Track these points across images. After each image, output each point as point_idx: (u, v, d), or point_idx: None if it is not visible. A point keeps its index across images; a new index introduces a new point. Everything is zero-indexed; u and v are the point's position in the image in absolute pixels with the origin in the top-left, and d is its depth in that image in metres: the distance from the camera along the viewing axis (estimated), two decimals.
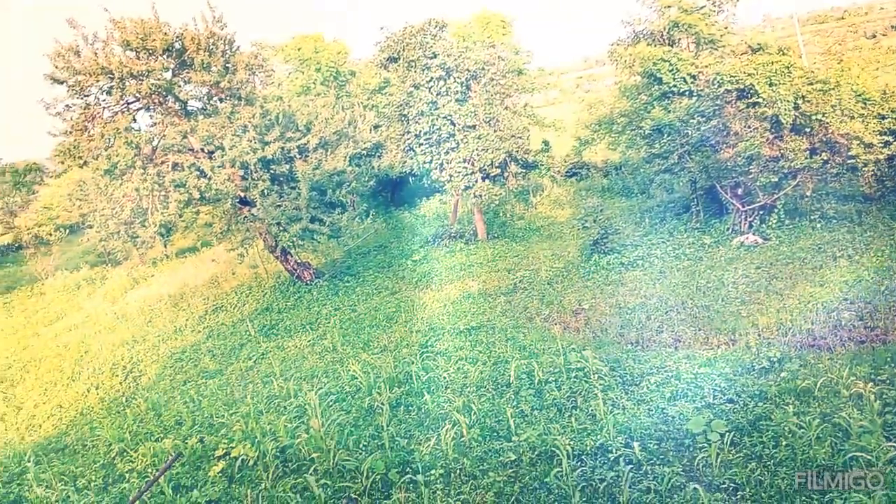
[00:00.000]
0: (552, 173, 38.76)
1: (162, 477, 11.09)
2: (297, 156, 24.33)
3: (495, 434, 11.28)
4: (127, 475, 12.14)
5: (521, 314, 18.23)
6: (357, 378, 14.52)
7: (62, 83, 21.79)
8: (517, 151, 30.02)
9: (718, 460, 9.01)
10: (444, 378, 14.08)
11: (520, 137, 30.21)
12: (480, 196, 27.36)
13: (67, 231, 44.63)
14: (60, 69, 21.53)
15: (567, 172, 39.07)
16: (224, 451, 11.79)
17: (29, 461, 13.07)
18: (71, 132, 22.23)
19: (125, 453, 13.18)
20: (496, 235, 28.72)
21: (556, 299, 18.78)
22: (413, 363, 14.98)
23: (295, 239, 23.44)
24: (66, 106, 22.28)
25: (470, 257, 25.77)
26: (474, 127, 27.06)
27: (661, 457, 9.49)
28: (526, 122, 33.36)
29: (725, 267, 18.53)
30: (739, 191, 21.98)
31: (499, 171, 29.69)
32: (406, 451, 11.07)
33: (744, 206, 21.49)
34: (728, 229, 21.87)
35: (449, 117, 26.81)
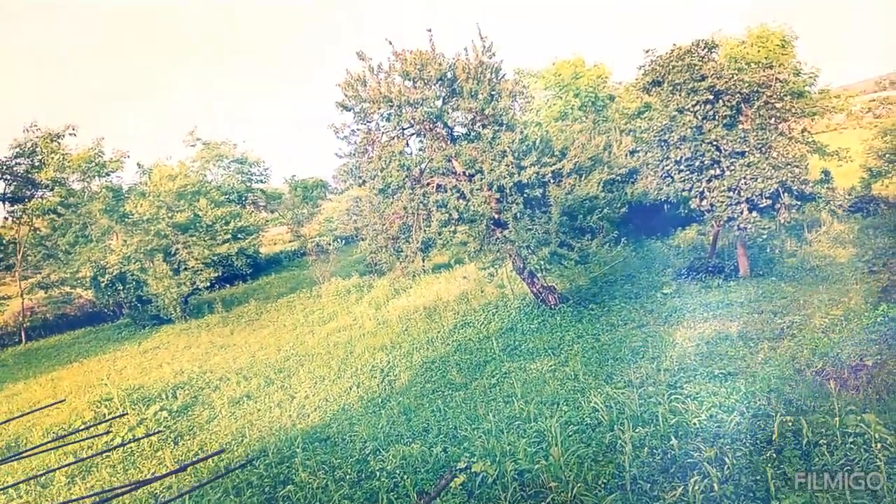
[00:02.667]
0: (832, 207, 34.42)
1: (436, 493, 11.74)
2: (551, 180, 24.58)
3: (751, 495, 10.14)
4: (377, 473, 13.04)
5: (788, 364, 16.29)
6: (598, 411, 14.08)
7: (349, 110, 24.60)
8: (792, 181, 27.04)
9: None
10: (695, 424, 13.04)
11: (796, 166, 27.19)
12: (745, 228, 25.19)
13: (343, 242, 50.04)
14: (349, 98, 24.31)
15: (851, 207, 34.47)
16: (465, 464, 12.14)
17: (298, 447, 14.69)
18: (354, 154, 24.92)
19: (378, 452, 14.22)
20: (761, 273, 26.19)
21: (831, 351, 16.46)
22: (660, 404, 14.13)
23: (543, 262, 23.65)
24: (352, 131, 25.03)
25: (729, 295, 23.79)
26: (743, 154, 25.05)
27: None
28: (804, 150, 29.98)
29: None
30: None
31: (769, 202, 27.03)
32: (649, 496, 10.42)
33: None
34: None
35: (715, 142, 25.15)
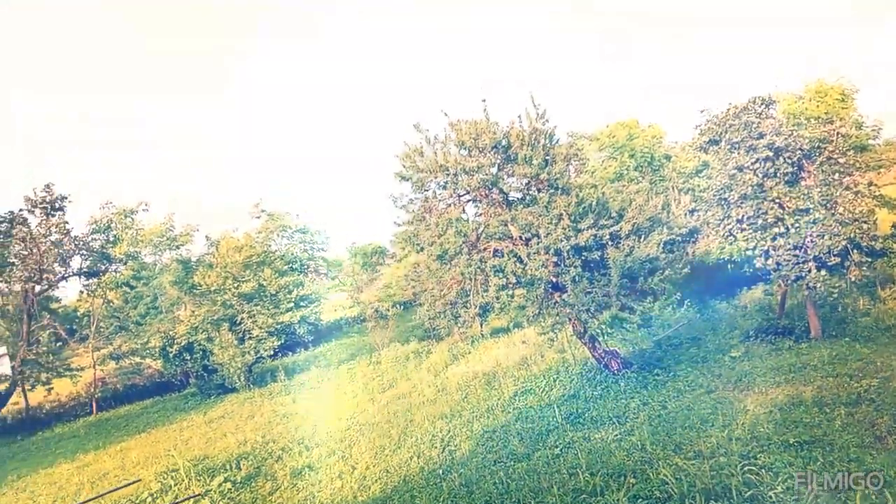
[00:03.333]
0: None
1: None
2: (609, 242, 24.37)
3: None
4: None
5: (868, 431, 15.36)
6: (668, 484, 13.51)
7: (407, 180, 25.25)
8: (861, 237, 26.09)
9: None
10: (771, 497, 12.37)
11: (864, 221, 26.27)
12: (815, 287, 24.27)
13: (402, 307, 50.41)
14: (407, 168, 25.01)
15: None
16: None
17: None
18: (412, 222, 25.42)
19: None
20: (834, 334, 25.03)
21: None
22: (733, 475, 13.48)
23: (604, 326, 23.27)
24: (410, 199, 25.61)
25: (801, 358, 22.76)
26: (808, 210, 24.38)
27: None
28: (871, 204, 28.94)
29: None
30: None
31: (838, 259, 26.06)
32: None
33: None
34: None
35: (777, 200, 24.61)
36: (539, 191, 24.58)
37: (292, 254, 63.03)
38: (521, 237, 24.71)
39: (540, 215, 23.83)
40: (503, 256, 24.14)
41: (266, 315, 41.64)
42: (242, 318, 41.39)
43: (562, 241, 23.05)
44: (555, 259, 23.96)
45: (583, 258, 23.86)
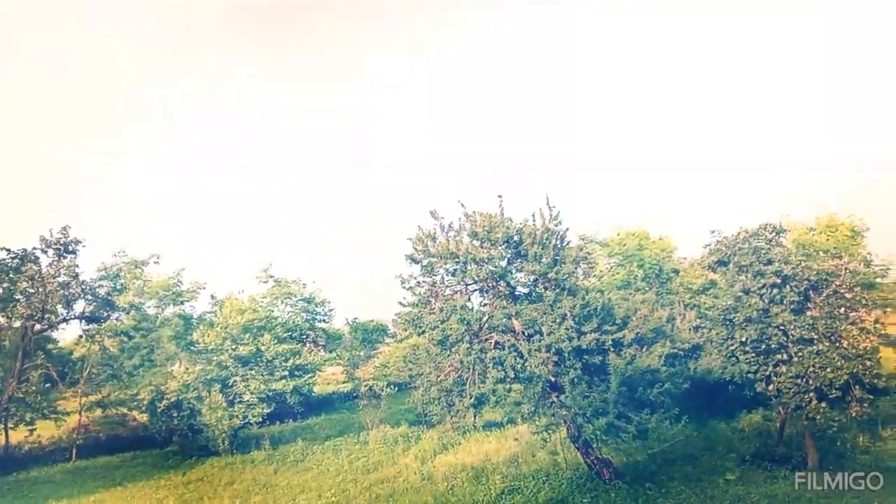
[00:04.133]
0: None
1: None
2: (612, 348, 24.44)
3: None
4: None
5: None
6: None
7: (417, 263, 25.67)
8: (863, 374, 26.01)
9: None
10: None
11: (868, 358, 26.24)
12: (814, 418, 24.05)
13: (396, 388, 49.84)
14: (418, 251, 25.47)
15: None
16: None
17: None
18: (417, 304, 25.64)
19: None
20: (831, 467, 24.54)
21: None
22: None
23: (599, 433, 22.98)
24: (417, 282, 25.93)
25: (797, 488, 22.28)
26: (812, 341, 24.49)
27: None
28: (876, 342, 29.05)
29: None
30: None
31: (839, 393, 25.89)
32: None
33: None
34: None
35: (782, 327, 24.77)
36: (546, 289, 24.90)
37: (293, 322, 62.99)
38: (523, 332, 24.83)
39: (545, 313, 24.04)
40: (504, 349, 24.19)
41: (259, 381, 41.22)
42: (235, 381, 40.99)
43: (564, 341, 23.15)
44: (555, 358, 23.97)
45: (584, 361, 23.89)
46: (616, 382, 23.13)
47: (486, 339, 24.88)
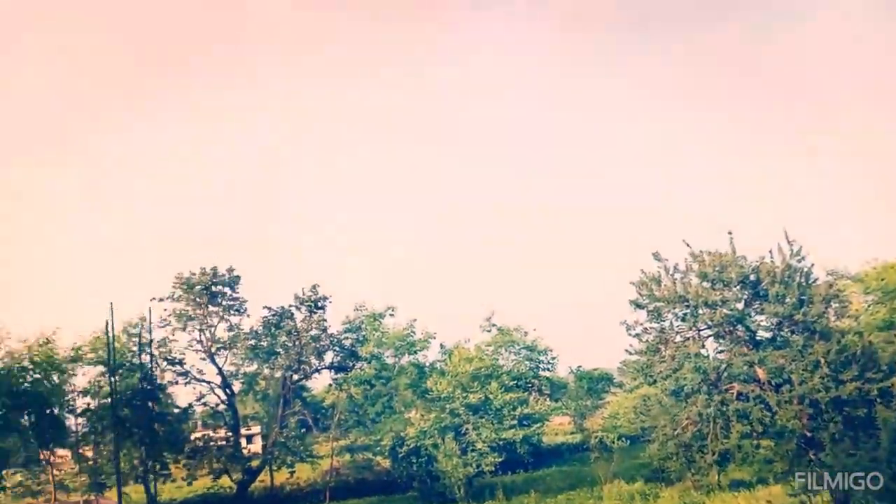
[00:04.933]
0: None
1: None
2: (878, 399, 21.48)
3: None
4: None
5: None
6: None
7: (643, 308, 24.89)
8: None
9: None
10: None
11: None
12: None
13: (628, 441, 47.85)
14: (643, 296, 24.72)
15: None
16: None
17: None
18: (646, 352, 24.77)
19: None
20: None
21: None
22: None
23: (870, 497, 20.08)
24: (644, 328, 25.13)
25: None
26: None
27: None
28: None
29: None
30: None
31: None
32: None
33: None
34: None
35: None
36: (792, 332, 22.79)
37: (518, 370, 63.73)
38: (769, 382, 22.77)
39: (793, 360, 21.90)
40: (748, 401, 22.34)
41: (490, 429, 42.11)
42: (467, 429, 42.29)
43: (819, 391, 20.85)
44: (810, 411, 21.62)
45: (844, 413, 21.28)
46: (887, 438, 20.18)
47: (727, 390, 23.20)
